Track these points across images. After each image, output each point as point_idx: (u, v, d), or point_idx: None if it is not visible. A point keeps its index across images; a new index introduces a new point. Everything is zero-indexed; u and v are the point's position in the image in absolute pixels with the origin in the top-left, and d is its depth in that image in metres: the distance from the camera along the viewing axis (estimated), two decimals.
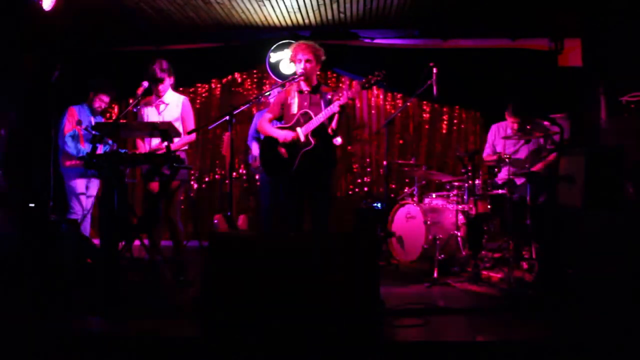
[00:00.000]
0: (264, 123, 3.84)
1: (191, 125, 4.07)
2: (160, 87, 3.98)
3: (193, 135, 4.04)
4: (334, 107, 3.50)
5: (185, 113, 4.07)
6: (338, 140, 4.37)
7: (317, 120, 3.57)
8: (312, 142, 3.58)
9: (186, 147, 4.09)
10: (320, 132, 3.62)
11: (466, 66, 6.19)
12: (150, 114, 4.03)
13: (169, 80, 4.02)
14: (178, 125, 3.93)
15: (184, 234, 4.06)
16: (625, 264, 3.23)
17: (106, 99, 4.70)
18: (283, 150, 3.67)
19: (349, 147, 6.57)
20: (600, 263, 3.41)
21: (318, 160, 3.63)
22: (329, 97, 3.67)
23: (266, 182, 5.10)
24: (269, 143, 3.77)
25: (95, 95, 4.65)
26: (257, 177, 5.79)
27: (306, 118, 3.63)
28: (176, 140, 3.86)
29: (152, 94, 4.05)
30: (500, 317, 3.02)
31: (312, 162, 3.62)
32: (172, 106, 4.04)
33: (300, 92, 3.75)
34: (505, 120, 4.69)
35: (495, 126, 4.85)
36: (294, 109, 3.72)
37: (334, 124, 3.62)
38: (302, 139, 3.61)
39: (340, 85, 6.59)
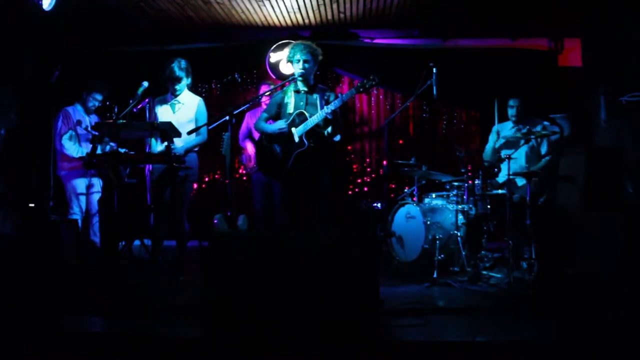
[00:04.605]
0: (260, 122, 3.84)
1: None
2: (177, 86, 3.98)
3: (204, 136, 4.03)
4: (328, 110, 3.51)
5: (199, 115, 4.06)
6: (337, 137, 4.36)
7: (311, 121, 3.58)
8: (306, 143, 3.58)
9: (197, 149, 4.08)
10: (315, 133, 3.62)
11: (466, 66, 6.18)
12: (164, 113, 4.02)
13: (186, 80, 4.01)
14: (191, 126, 3.93)
15: (188, 234, 4.06)
16: (625, 264, 3.23)
17: (99, 97, 4.71)
18: (277, 148, 3.66)
19: (349, 147, 6.56)
20: (600, 263, 3.41)
21: (312, 161, 3.63)
22: (326, 97, 3.67)
23: (259, 182, 5.10)
24: (264, 143, 3.77)
25: (88, 94, 4.67)
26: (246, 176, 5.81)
27: (301, 118, 3.63)
28: (184, 140, 3.86)
29: (168, 92, 4.05)
30: (500, 317, 3.02)
31: (307, 162, 3.61)
32: (188, 106, 4.04)
33: (297, 91, 3.75)
34: (507, 120, 4.69)
35: (500, 125, 4.85)
36: (290, 108, 3.72)
37: (330, 127, 3.62)
38: (296, 139, 3.61)
39: (340, 85, 6.58)
